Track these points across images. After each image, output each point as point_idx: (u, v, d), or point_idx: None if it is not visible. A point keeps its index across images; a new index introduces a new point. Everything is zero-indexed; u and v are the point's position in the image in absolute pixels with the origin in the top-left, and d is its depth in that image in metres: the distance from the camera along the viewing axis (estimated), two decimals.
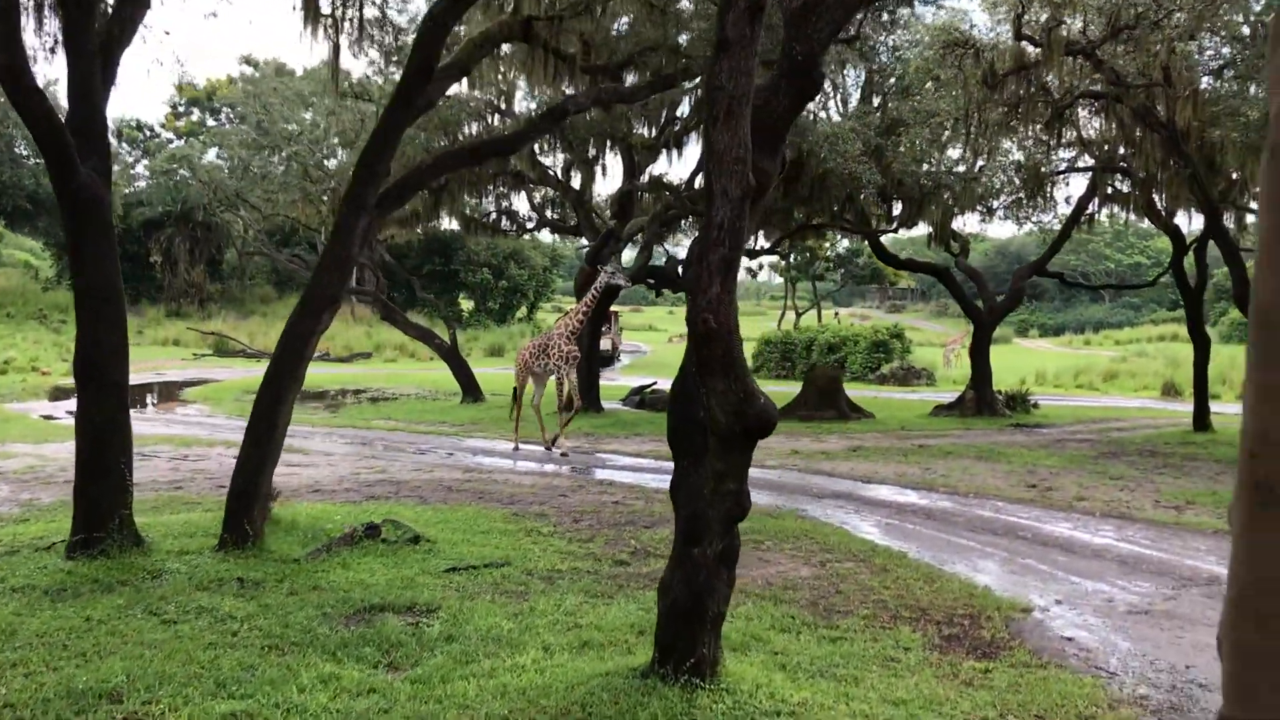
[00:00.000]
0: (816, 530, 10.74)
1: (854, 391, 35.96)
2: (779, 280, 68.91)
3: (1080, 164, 24.52)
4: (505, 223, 28.59)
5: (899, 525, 11.39)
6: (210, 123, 61.75)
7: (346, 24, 10.99)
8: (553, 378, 18.12)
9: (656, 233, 23.12)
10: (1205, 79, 17.58)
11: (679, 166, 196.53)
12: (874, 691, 5.81)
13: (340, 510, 11.07)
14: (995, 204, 24.27)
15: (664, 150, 22.18)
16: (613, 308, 53.07)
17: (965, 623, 7.49)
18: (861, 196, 20.26)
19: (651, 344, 74.49)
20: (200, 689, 5.56)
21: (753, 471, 15.30)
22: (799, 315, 62.56)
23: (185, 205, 50.64)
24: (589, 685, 5.56)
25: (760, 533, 10.57)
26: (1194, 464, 17.21)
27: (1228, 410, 29.45)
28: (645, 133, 22.26)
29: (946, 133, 18.63)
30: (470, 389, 27.00)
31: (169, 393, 28.57)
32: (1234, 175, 18.59)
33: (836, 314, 66.84)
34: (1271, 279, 0.59)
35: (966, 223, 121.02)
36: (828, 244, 47.65)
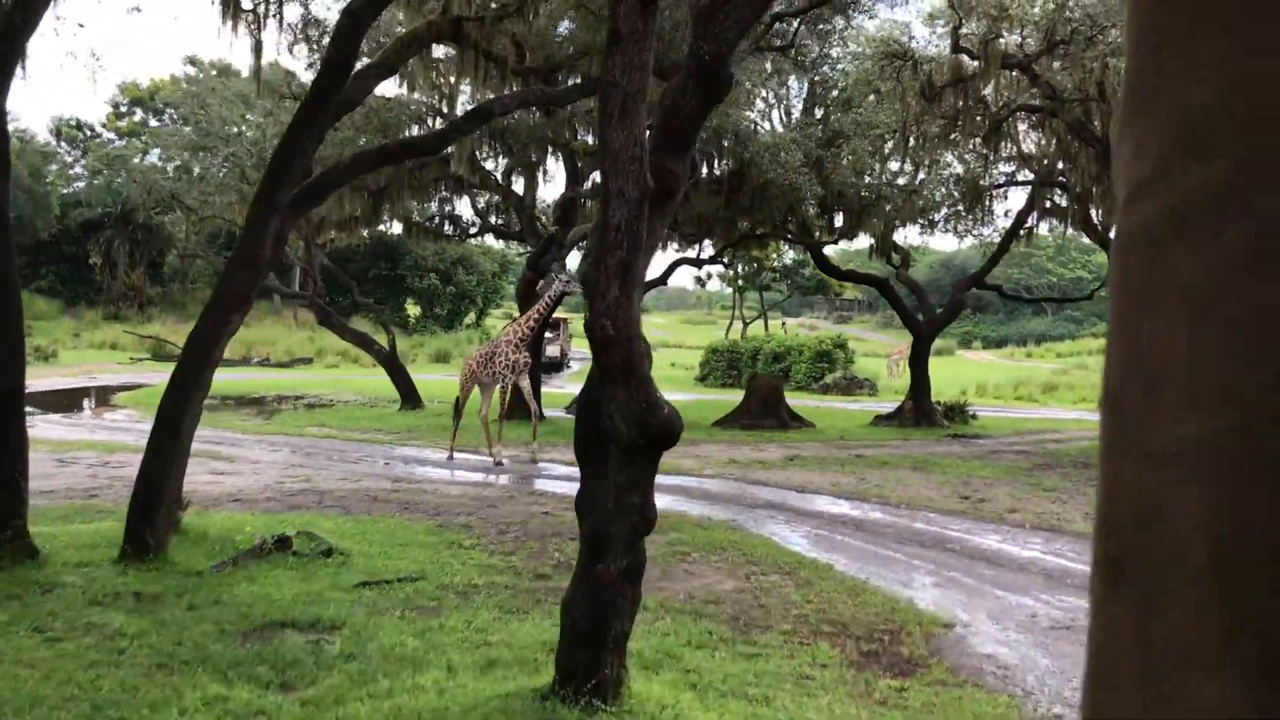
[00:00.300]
0: (745, 542, 10.59)
1: (797, 401, 36.01)
2: (730, 290, 69.07)
3: (1020, 178, 24.69)
4: (448, 227, 28.25)
5: (829, 536, 11.27)
6: (154, 123, 60.66)
7: (271, 20, 10.69)
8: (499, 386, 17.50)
9: None
10: None
11: None
12: (783, 713, 5.65)
13: (256, 520, 10.73)
14: (936, 217, 24.35)
15: None
16: (565, 315, 52.91)
17: (885, 638, 7.36)
18: (803, 207, 20.19)
19: None
20: (74, 713, 5.26)
21: (688, 481, 15.27)
22: (746, 325, 62.65)
23: (125, 207, 49.66)
24: (486, 708, 5.33)
25: (688, 544, 10.40)
26: None
27: None
28: (590, 139, 22.05)
29: (887, 145, 18.59)
30: (409, 396, 26.58)
31: (101, 397, 27.86)
32: None
33: (783, 324, 66.96)
34: (1118, 358, 0.62)
35: (908, 235, 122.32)
36: (774, 255, 47.68)
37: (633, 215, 4.19)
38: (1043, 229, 28.24)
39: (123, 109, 62.29)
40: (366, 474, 15.44)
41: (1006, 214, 26.79)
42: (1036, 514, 13.23)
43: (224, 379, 37.65)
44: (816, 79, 23.69)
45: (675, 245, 26.52)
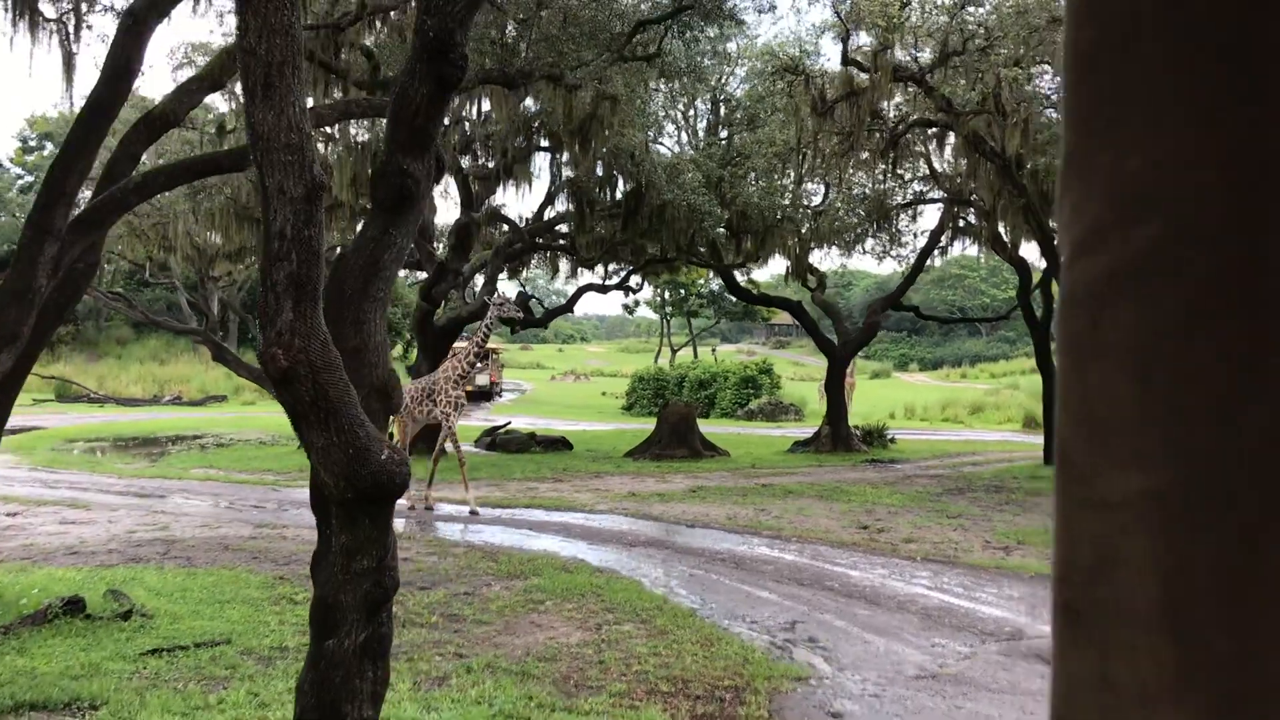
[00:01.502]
0: (608, 586, 9.78)
1: (720, 428, 35.45)
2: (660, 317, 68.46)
3: (931, 196, 24.29)
4: None
5: (703, 576, 10.51)
6: None
7: (83, 30, 9.79)
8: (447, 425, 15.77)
9: (499, 267, 22.09)
10: (1049, 111, 17.33)
11: (528, 198, 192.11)
12: None
13: (71, 577, 9.75)
14: (849, 238, 23.85)
15: (502, 180, 21.17)
16: (495, 344, 51.87)
17: (727, 696, 6.60)
18: (704, 229, 19.54)
19: (535, 382, 73.38)
20: None
21: (575, 518, 14.48)
22: (674, 352, 62.07)
23: None
24: None
25: (545, 591, 9.59)
26: (1036, 500, 16.79)
27: None
28: (485, 161, 21.29)
29: (785, 164, 18.02)
30: None
31: None
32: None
33: (713, 350, 66.51)
34: (1065, 416, 0.66)
35: (825, 258, 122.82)
36: (699, 281, 47.18)
37: (301, 219, 3.41)
38: (957, 249, 27.93)
39: (31, 143, 60.45)
40: (231, 519, 14.44)
41: (921, 234, 26.31)
42: (934, 544, 12.60)
43: (125, 419, 36.23)
44: (722, 98, 23.19)
45: (583, 271, 25.76)
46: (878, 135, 17.36)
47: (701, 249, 23.62)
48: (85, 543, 12.45)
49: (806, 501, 16.47)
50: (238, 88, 18.64)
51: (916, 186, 25.01)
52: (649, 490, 17.83)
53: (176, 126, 10.03)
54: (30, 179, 56.32)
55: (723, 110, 23.42)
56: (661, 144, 24.60)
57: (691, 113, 24.44)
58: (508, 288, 39.88)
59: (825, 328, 29.77)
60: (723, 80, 22.28)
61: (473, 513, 14.85)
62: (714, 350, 66.50)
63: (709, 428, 34.62)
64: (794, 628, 8.45)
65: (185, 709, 6.17)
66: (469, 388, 14.74)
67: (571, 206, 21.50)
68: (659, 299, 53.37)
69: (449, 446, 15.94)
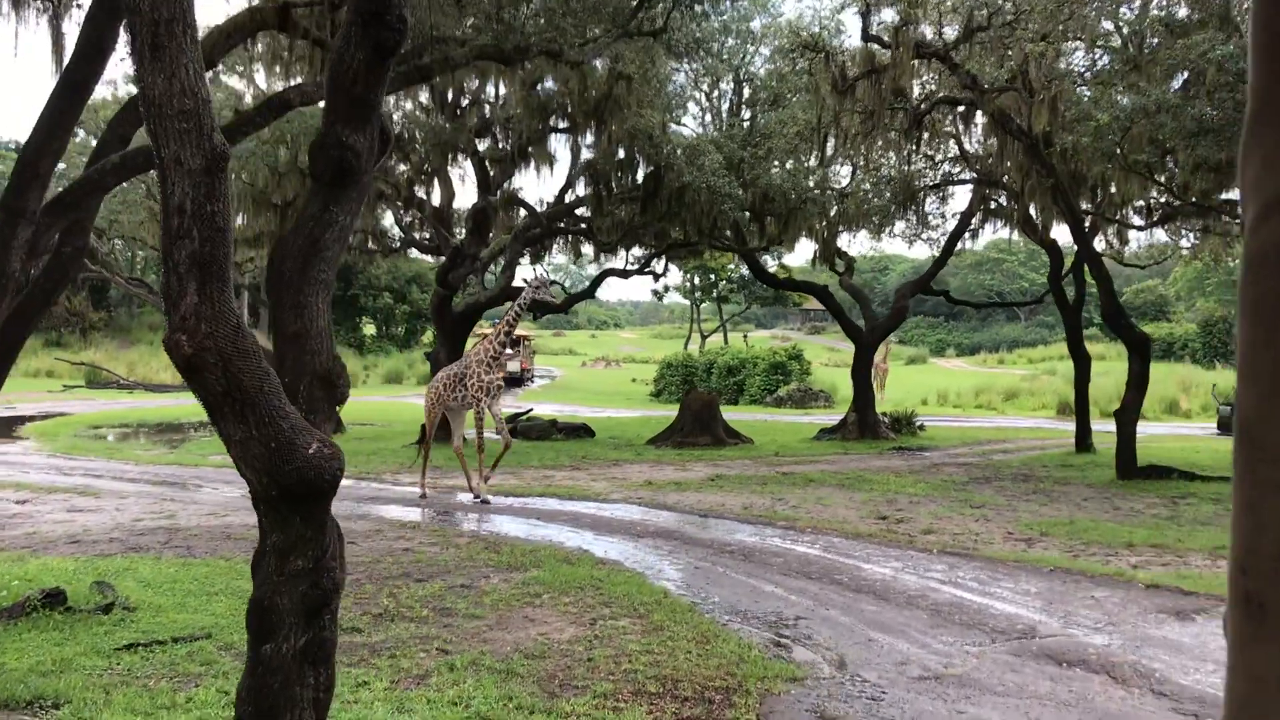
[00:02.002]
0: (609, 579, 9.48)
1: (747, 414, 35.08)
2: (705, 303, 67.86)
3: (961, 177, 23.73)
4: (370, 243, 27.12)
5: (709, 568, 10.19)
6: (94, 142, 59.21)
7: (73, 8, 9.56)
8: (471, 411, 15.31)
9: (518, 251, 21.80)
10: (1083, 88, 16.77)
11: (550, 182, 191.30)
12: None
13: (62, 567, 9.60)
14: (876, 220, 23.34)
15: (518, 163, 20.87)
16: (526, 331, 51.62)
17: (716, 699, 6.29)
18: (725, 211, 19.12)
19: (565, 368, 73.24)
20: None
21: (587, 507, 14.18)
22: (704, 338, 61.62)
23: None
24: None
25: (544, 584, 9.32)
26: (1064, 489, 16.34)
27: (1158, 430, 28.92)
28: (504, 144, 20.98)
29: (807, 144, 17.59)
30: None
31: (6, 428, 26.52)
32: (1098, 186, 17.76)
33: (745, 336, 65.96)
34: (1252, 391, 0.60)
35: (854, 241, 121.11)
36: (730, 265, 46.69)
37: (202, 192, 3.12)
38: (988, 232, 27.34)
39: None
40: (240, 508, 14.27)
41: (952, 217, 25.73)
42: (954, 535, 12.22)
43: (152, 405, 36.34)
44: (745, 78, 22.76)
45: (607, 256, 25.42)
46: (901, 114, 16.86)
47: (729, 233, 23.23)
48: (89, 531, 12.32)
49: (827, 490, 16.11)
50: (258, 74, 18.39)
51: (946, 168, 24.46)
52: (666, 479, 17.53)
53: None
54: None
55: (746, 91, 22.98)
56: (685, 125, 24.24)
57: (715, 94, 24.02)
58: (529, 272, 39.59)
59: (857, 314, 29.32)
60: (746, 59, 21.84)
61: (483, 501, 14.62)
62: (746, 336, 65.96)
63: (737, 415, 34.29)
64: (796, 624, 8.12)
65: (150, 708, 5.94)
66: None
67: (589, 190, 21.18)
68: (688, 284, 52.90)
69: (492, 433, 15.40)
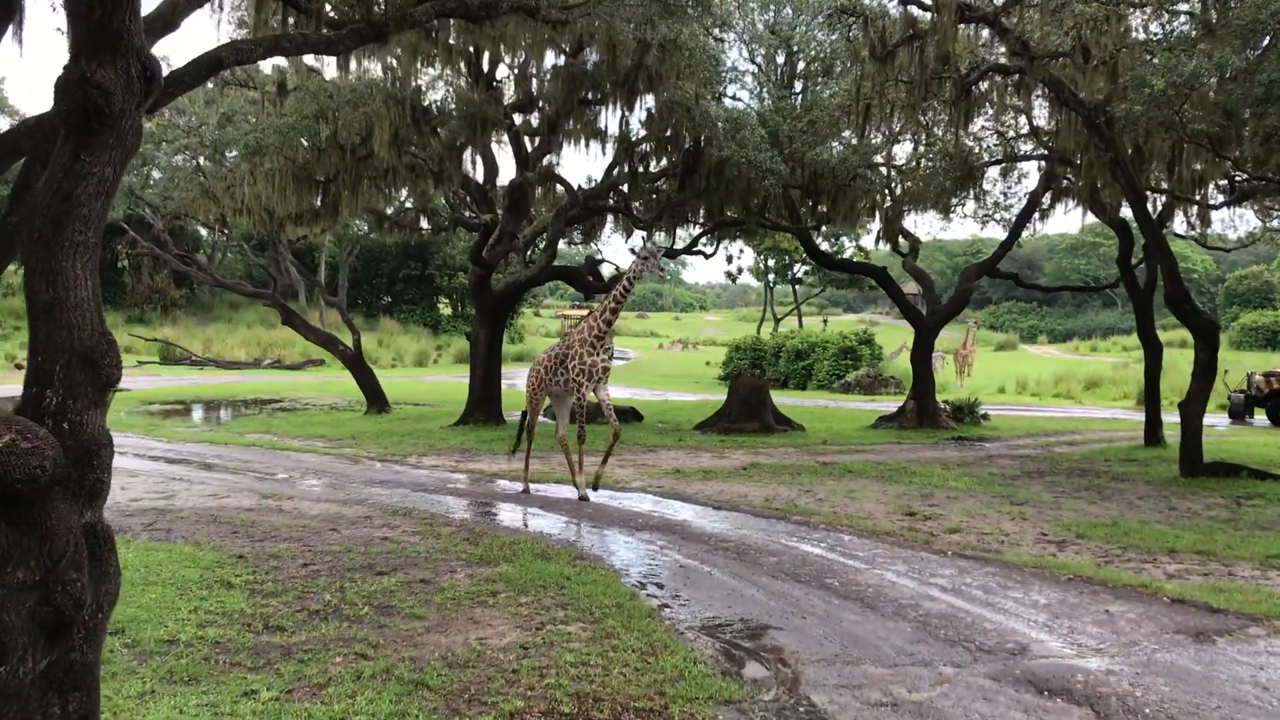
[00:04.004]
0: (578, 578, 8.81)
1: (811, 400, 34.13)
2: (782, 286, 66.57)
3: (1024, 153, 22.45)
4: (423, 221, 26.77)
5: (695, 567, 9.46)
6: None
7: None
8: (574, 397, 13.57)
9: (560, 230, 21.18)
10: (1153, 59, 15.51)
11: (599, 160, 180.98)
12: None
13: None
14: (932, 199, 22.19)
15: (549, 138, 20.19)
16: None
17: None
18: (769, 188, 18.22)
19: (642, 350, 72.75)
20: None
21: (593, 496, 13.46)
22: (778, 321, 60.44)
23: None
24: None
25: (508, 581, 8.69)
26: (1119, 486, 15.21)
27: (1218, 424, 27.31)
28: (532, 119, 20.34)
29: (851, 116, 16.61)
30: (376, 400, 25.22)
31: None
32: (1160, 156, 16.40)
33: (824, 320, 64.58)
34: None
35: (920, 223, 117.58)
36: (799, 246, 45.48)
37: None
38: (1059, 213, 25.95)
39: None
40: (245, 489, 13.94)
41: (1023, 196, 24.39)
42: (980, 534, 11.30)
43: (215, 382, 36.75)
44: (796, 49, 21.79)
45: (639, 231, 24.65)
46: (949, 84, 15.78)
47: (783, 211, 22.32)
48: None
49: (862, 482, 15.24)
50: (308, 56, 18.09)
51: (1020, 145, 23.18)
52: (698, 467, 16.80)
53: None
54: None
55: (800, 64, 22.00)
56: (740, 100, 23.31)
57: (770, 67, 23.07)
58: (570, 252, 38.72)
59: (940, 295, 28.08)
60: (796, 29, 20.85)
61: (524, 491, 13.92)
62: (825, 321, 64.61)
63: (800, 400, 33.38)
64: (763, 634, 7.35)
65: None
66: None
67: (625, 166, 20.44)
68: (760, 266, 51.79)
69: (584, 414, 13.54)
